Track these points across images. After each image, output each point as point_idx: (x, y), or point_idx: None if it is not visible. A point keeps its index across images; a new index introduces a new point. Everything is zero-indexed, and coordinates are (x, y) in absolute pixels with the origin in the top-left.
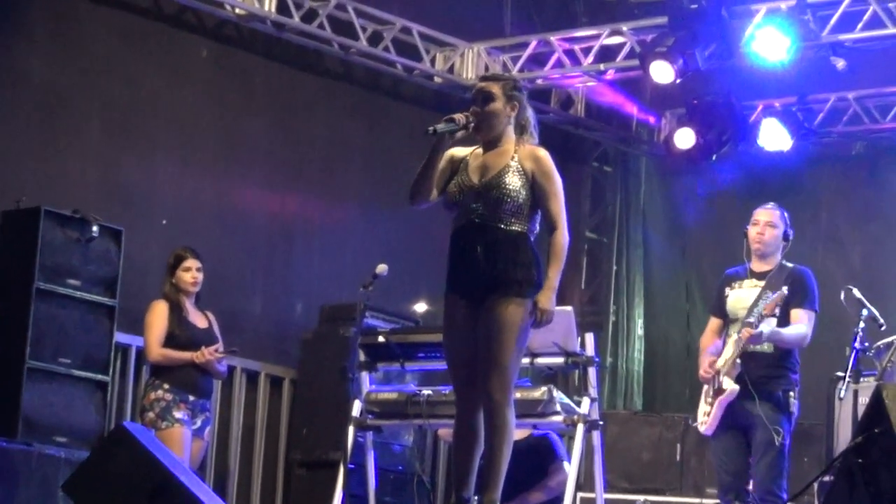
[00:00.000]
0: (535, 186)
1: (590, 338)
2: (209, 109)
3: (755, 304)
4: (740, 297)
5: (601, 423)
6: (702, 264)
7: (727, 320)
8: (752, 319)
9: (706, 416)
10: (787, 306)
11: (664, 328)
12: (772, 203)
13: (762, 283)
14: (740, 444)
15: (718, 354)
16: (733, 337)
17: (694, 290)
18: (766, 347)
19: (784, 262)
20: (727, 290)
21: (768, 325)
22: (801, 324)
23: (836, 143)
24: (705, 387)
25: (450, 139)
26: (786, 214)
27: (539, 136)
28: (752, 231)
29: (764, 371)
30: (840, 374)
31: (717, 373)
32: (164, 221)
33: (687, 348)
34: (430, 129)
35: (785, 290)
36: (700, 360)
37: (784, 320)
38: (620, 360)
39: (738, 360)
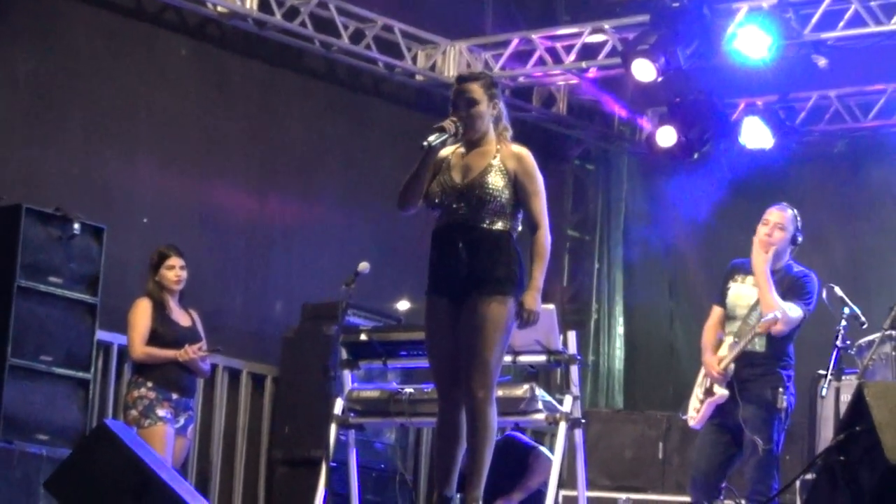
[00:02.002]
0: (518, 186)
1: (572, 336)
2: (190, 108)
3: (754, 307)
4: (741, 293)
5: (584, 420)
6: (686, 262)
7: (726, 313)
8: (748, 342)
9: (696, 412)
10: (784, 299)
11: (646, 326)
12: (785, 203)
13: None
14: (720, 443)
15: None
16: (728, 340)
17: (678, 288)
18: (758, 346)
19: (791, 262)
20: (730, 283)
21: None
22: (794, 305)
23: (818, 141)
24: (699, 379)
25: (439, 147)
26: (797, 217)
27: (521, 135)
28: (761, 230)
29: (754, 370)
30: (822, 372)
31: (725, 372)
32: (145, 220)
33: (671, 346)
34: (424, 143)
35: (780, 313)
36: (704, 358)
37: None
38: (602, 358)
39: (731, 366)
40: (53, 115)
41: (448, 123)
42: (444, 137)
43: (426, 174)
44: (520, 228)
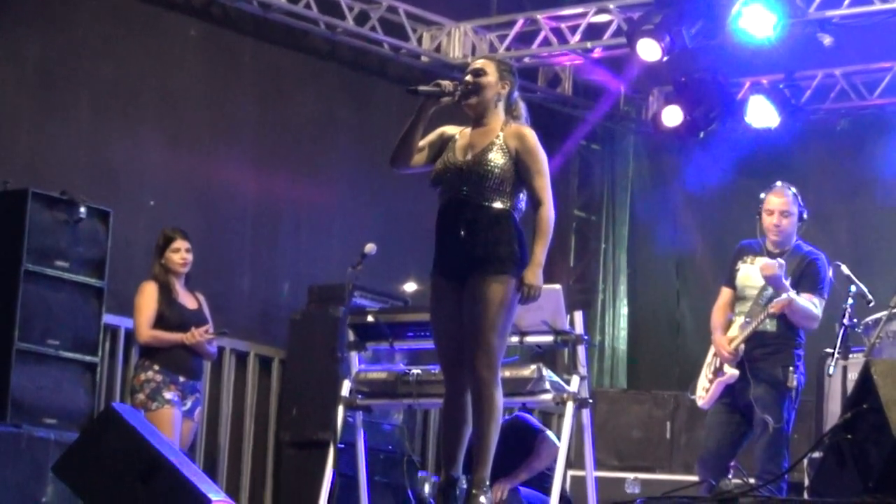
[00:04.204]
0: (520, 164)
1: (578, 316)
2: (196, 90)
3: (765, 287)
4: (750, 274)
5: (591, 401)
6: (692, 241)
7: (736, 294)
8: (759, 323)
9: (705, 392)
10: (798, 290)
11: (651, 306)
12: (779, 184)
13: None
14: (730, 423)
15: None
16: (739, 321)
17: (685, 268)
18: (769, 326)
19: (800, 242)
20: (739, 264)
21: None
22: (811, 303)
23: (824, 119)
24: (708, 359)
25: (434, 104)
26: (796, 192)
27: (529, 119)
28: (767, 220)
29: (765, 349)
30: (829, 350)
31: (736, 352)
32: (152, 202)
33: (677, 326)
34: (412, 87)
35: (793, 294)
36: (714, 338)
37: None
38: (608, 337)
39: (742, 346)
40: (60, 99)
41: (446, 82)
42: (434, 90)
43: (417, 130)
44: (523, 208)
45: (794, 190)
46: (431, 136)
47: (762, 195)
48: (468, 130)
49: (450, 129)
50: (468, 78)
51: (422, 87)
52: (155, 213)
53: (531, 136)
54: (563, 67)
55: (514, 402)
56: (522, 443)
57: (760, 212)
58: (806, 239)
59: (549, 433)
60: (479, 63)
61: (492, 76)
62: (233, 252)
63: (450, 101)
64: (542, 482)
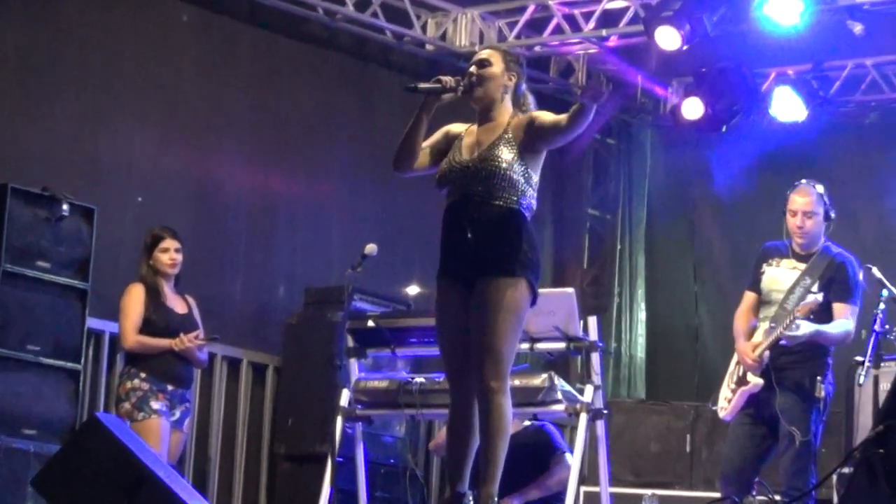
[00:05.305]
0: (534, 135)
1: (593, 321)
2: (188, 79)
3: (791, 290)
4: (776, 277)
5: (605, 411)
6: (711, 242)
7: (761, 299)
8: (785, 328)
9: (727, 402)
10: (828, 299)
11: (669, 311)
12: (804, 182)
13: (802, 267)
14: (754, 436)
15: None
16: (764, 326)
17: (703, 270)
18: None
19: (829, 244)
20: (764, 266)
21: (807, 326)
22: (845, 319)
23: (853, 112)
24: (731, 367)
25: (436, 101)
26: (822, 192)
27: (538, 108)
28: (791, 221)
29: (791, 357)
30: (859, 358)
31: (760, 360)
32: (140, 199)
33: (696, 332)
34: (411, 85)
35: (820, 297)
36: (738, 345)
37: (825, 313)
38: (624, 344)
39: (767, 354)
40: (42, 88)
41: (447, 77)
42: (434, 87)
43: (419, 130)
44: (534, 207)
45: (820, 188)
46: (436, 136)
47: (788, 193)
48: (475, 127)
49: (455, 128)
50: (472, 70)
51: (421, 85)
52: (142, 211)
53: (539, 112)
54: (577, 57)
55: (524, 413)
56: (538, 457)
57: (786, 211)
58: (833, 239)
59: (569, 456)
60: (483, 54)
61: (497, 67)
62: (225, 252)
63: (453, 97)
64: (555, 496)
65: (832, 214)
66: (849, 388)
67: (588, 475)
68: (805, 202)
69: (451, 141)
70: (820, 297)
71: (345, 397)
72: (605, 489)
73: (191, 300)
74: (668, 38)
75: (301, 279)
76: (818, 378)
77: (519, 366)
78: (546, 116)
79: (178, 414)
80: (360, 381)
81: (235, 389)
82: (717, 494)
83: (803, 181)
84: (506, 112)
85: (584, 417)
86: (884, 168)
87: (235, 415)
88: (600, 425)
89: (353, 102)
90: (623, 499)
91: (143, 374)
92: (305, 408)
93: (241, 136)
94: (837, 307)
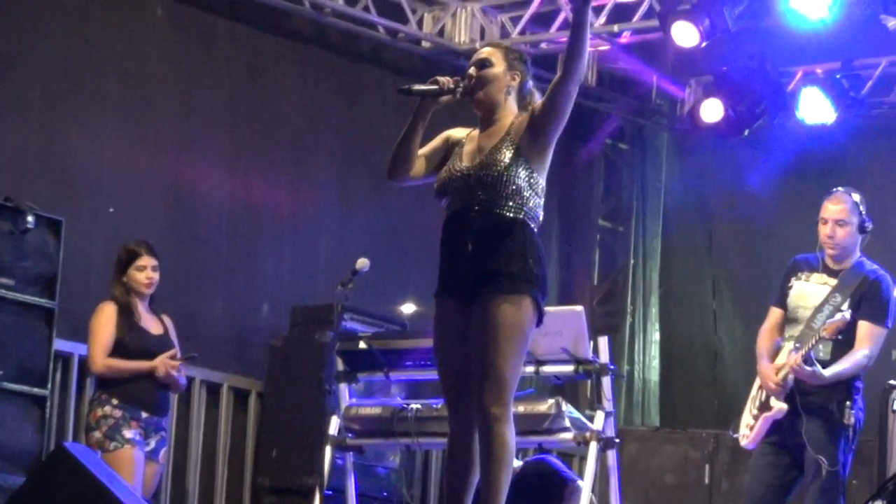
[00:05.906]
0: (535, 133)
1: (603, 342)
2: (163, 79)
3: (819, 308)
4: (805, 292)
5: (617, 440)
6: (731, 256)
7: (787, 316)
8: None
9: (749, 430)
10: (856, 315)
11: (686, 331)
12: (840, 190)
13: (833, 282)
14: (778, 466)
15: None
16: (788, 346)
17: (722, 286)
18: (822, 354)
19: (863, 258)
20: (792, 280)
21: (829, 370)
22: (864, 344)
23: (887, 114)
24: (753, 391)
25: (432, 104)
26: (858, 201)
27: None
28: (822, 231)
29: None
30: (892, 382)
31: (784, 383)
32: (112, 209)
33: (715, 353)
34: (405, 86)
35: (848, 314)
36: (760, 366)
37: (851, 331)
38: (637, 367)
39: (791, 377)
40: (7, 89)
41: (446, 78)
42: (430, 89)
43: (415, 136)
44: (540, 217)
45: (856, 196)
46: (434, 142)
47: (823, 201)
48: (476, 133)
49: (456, 133)
50: (471, 71)
51: (416, 87)
52: (115, 223)
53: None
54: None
55: (528, 443)
56: (549, 493)
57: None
58: (866, 253)
59: (580, 483)
60: (483, 53)
61: (499, 67)
62: (204, 267)
63: (451, 100)
64: None
65: (868, 226)
66: (882, 414)
67: None
68: (837, 210)
69: (450, 147)
70: (848, 314)
71: (334, 425)
72: None
73: (167, 320)
74: (685, 34)
75: (286, 297)
76: (847, 403)
77: (523, 391)
78: (540, 108)
79: (152, 444)
80: (351, 408)
81: (215, 417)
82: None
83: (840, 188)
84: (510, 114)
85: (594, 447)
86: None
87: (215, 444)
88: (611, 455)
89: (342, 105)
90: None
91: (114, 401)
92: (291, 437)
93: (221, 141)
94: (863, 328)
